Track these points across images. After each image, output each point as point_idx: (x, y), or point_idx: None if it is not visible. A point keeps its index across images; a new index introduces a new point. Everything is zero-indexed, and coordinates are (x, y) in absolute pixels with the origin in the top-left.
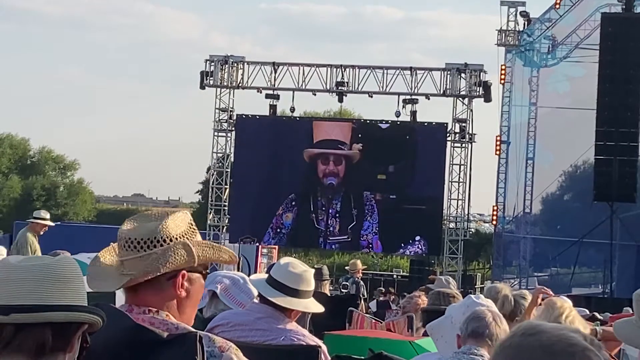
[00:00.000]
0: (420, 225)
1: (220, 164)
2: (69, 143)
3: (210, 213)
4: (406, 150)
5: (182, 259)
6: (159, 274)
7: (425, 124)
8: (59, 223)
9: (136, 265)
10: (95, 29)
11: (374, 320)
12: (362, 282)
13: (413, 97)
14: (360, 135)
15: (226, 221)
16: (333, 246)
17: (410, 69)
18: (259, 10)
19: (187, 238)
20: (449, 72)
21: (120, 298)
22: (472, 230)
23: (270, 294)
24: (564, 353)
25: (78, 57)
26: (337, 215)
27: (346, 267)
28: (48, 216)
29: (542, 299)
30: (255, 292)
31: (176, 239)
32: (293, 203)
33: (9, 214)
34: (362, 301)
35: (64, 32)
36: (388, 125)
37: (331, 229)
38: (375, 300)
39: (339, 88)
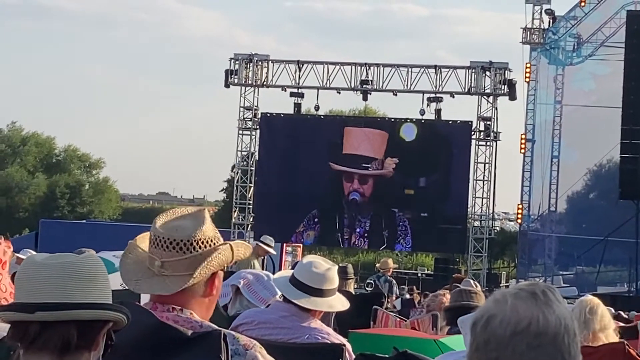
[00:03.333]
0: (455, 243)
1: (244, 162)
2: (95, 141)
3: (234, 211)
4: (438, 162)
5: (226, 260)
6: (208, 276)
7: (450, 122)
8: (84, 221)
9: (178, 266)
10: (120, 26)
11: (398, 319)
12: (394, 281)
13: (438, 95)
14: (394, 148)
15: (251, 219)
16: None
17: (435, 67)
18: (283, 8)
19: (219, 238)
20: (473, 70)
21: (145, 296)
22: (497, 228)
23: (294, 295)
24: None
25: (103, 55)
26: (366, 235)
27: (377, 265)
28: (273, 243)
29: None
30: (279, 290)
31: (217, 239)
32: (316, 220)
33: (34, 212)
34: (393, 299)
35: (88, 29)
36: (413, 138)
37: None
38: (400, 299)
39: (364, 86)
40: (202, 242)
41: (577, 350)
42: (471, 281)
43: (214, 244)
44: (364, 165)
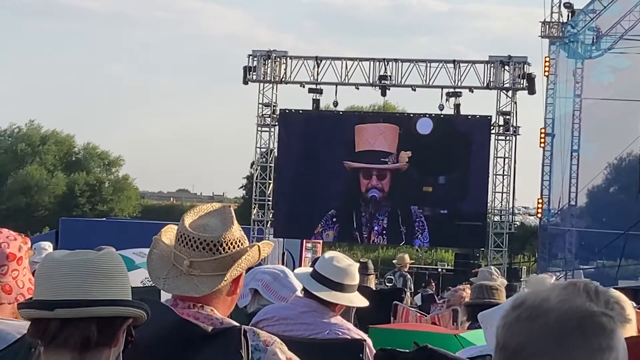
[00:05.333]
0: (475, 239)
1: (263, 159)
2: (114, 139)
3: (254, 208)
4: (457, 159)
5: (254, 261)
6: (236, 275)
7: (469, 117)
8: (104, 219)
9: (206, 266)
10: (139, 24)
11: (418, 314)
12: (409, 276)
13: (456, 90)
14: (406, 141)
15: (270, 216)
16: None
17: (454, 62)
18: (302, 4)
19: (245, 239)
20: (492, 65)
21: (166, 293)
22: (517, 223)
23: (315, 288)
24: (575, 333)
25: (121, 54)
26: (384, 233)
27: (394, 261)
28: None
29: None
30: (298, 285)
31: (244, 240)
32: (334, 220)
33: (54, 211)
34: (408, 295)
35: (108, 28)
36: (428, 132)
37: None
38: (420, 294)
39: (382, 82)
40: (231, 243)
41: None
42: (492, 268)
43: (241, 244)
44: (382, 159)
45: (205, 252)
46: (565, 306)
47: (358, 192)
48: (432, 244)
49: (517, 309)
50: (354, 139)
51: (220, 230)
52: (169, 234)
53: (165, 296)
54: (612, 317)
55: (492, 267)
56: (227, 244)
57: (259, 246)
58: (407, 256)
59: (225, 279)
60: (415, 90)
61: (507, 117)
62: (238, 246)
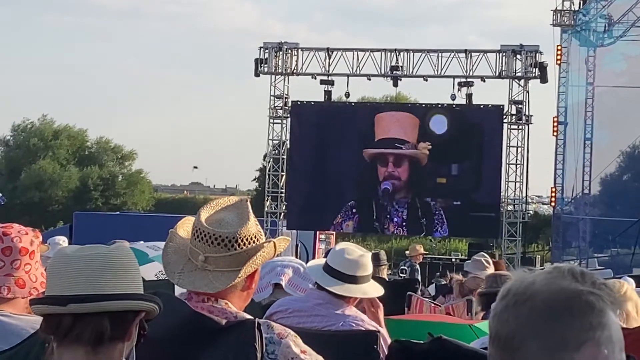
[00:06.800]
0: (489, 228)
1: (276, 151)
2: (127, 133)
3: (267, 200)
4: (470, 149)
5: (269, 257)
6: (251, 272)
7: (481, 106)
8: (117, 213)
9: (221, 262)
10: (152, 18)
11: (433, 305)
12: (417, 267)
13: (468, 79)
14: (424, 133)
15: (283, 208)
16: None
17: (465, 51)
18: None
19: (262, 234)
20: (504, 54)
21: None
22: (531, 212)
23: (328, 282)
24: (564, 313)
25: (134, 47)
26: (404, 225)
27: (406, 252)
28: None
29: None
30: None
31: (260, 235)
32: (354, 210)
33: (67, 205)
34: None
35: (120, 22)
36: (444, 131)
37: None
38: (434, 284)
39: (394, 72)
40: (247, 239)
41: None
42: (485, 257)
43: (258, 240)
44: (397, 145)
45: (221, 247)
46: (551, 288)
47: (376, 182)
48: (450, 235)
49: (505, 298)
50: (374, 129)
51: (236, 225)
52: (186, 226)
53: (178, 289)
54: (600, 295)
55: (485, 254)
56: (242, 240)
57: (274, 242)
58: (419, 247)
59: (240, 275)
60: (427, 80)
61: (520, 106)
62: (254, 242)
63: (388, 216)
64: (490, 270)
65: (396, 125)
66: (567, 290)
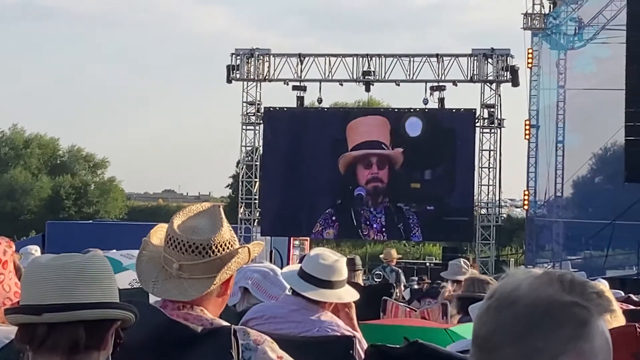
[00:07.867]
0: (462, 232)
1: (249, 158)
2: (99, 141)
3: (241, 207)
4: (443, 153)
5: (244, 262)
6: (226, 278)
7: (454, 110)
8: (90, 222)
9: (196, 269)
10: (122, 26)
11: (408, 309)
12: (400, 270)
13: (440, 84)
14: (396, 138)
15: (257, 214)
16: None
17: (437, 55)
18: (285, 1)
19: (236, 240)
20: (475, 58)
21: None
22: (504, 215)
23: (303, 288)
24: (543, 322)
25: (105, 55)
26: (384, 230)
27: (380, 256)
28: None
29: None
30: (287, 284)
31: (234, 241)
32: (334, 218)
33: (40, 214)
34: (402, 289)
35: (90, 29)
36: (419, 132)
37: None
38: (409, 289)
39: (366, 77)
40: (221, 245)
41: None
42: (462, 261)
43: (232, 246)
44: (379, 146)
45: (195, 255)
46: (534, 295)
47: (353, 188)
48: (424, 240)
49: (489, 300)
50: (346, 137)
51: (209, 232)
52: (159, 234)
53: (153, 297)
54: (587, 307)
55: (462, 259)
56: (216, 247)
57: (248, 248)
58: (393, 251)
59: (215, 282)
60: (399, 85)
61: (492, 109)
62: (228, 248)
63: (368, 222)
64: (470, 273)
65: (371, 128)
66: (549, 299)
